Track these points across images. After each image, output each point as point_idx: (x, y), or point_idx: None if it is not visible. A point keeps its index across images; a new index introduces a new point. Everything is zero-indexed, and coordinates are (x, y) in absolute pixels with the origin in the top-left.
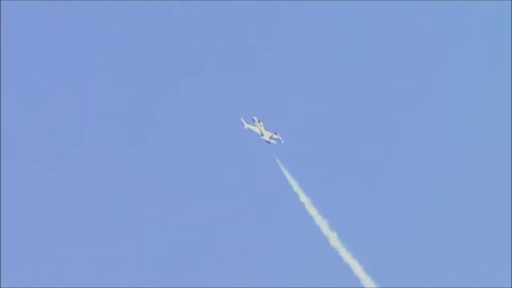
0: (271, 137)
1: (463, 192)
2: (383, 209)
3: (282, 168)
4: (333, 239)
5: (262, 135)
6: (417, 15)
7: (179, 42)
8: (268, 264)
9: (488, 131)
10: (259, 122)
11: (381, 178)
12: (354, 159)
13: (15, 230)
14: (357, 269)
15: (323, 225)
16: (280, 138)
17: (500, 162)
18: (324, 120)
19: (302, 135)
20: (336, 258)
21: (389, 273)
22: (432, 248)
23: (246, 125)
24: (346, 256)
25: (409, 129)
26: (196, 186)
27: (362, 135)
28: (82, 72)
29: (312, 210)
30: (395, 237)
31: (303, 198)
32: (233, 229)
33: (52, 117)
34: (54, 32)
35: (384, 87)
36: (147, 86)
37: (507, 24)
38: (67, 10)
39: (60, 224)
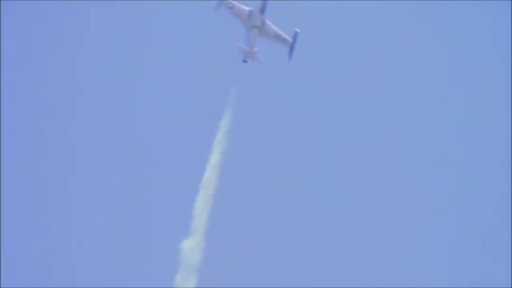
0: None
1: (463, 192)
2: (389, 209)
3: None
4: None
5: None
6: (417, 15)
7: None
8: None
9: (488, 131)
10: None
11: (382, 177)
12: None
13: (15, 230)
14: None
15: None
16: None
17: (500, 162)
18: None
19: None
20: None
21: (388, 273)
22: (432, 248)
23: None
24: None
25: (406, 128)
26: None
27: (354, 134)
28: (81, 71)
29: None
30: (394, 236)
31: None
32: None
33: (52, 116)
34: (54, 32)
35: (383, 86)
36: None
37: (507, 24)
38: (67, 10)
39: (61, 223)
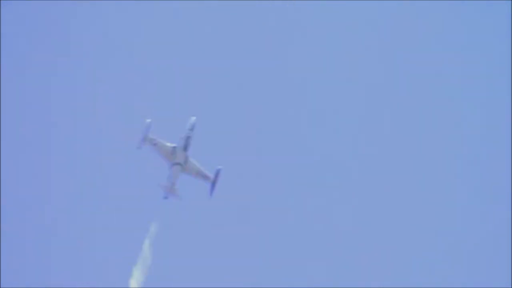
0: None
1: (463, 192)
2: (383, 209)
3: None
4: None
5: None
6: (417, 15)
7: None
8: None
9: (488, 131)
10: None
11: (380, 177)
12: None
13: (15, 230)
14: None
15: None
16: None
17: (500, 163)
18: None
19: None
20: None
21: (388, 273)
22: (432, 248)
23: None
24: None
25: (406, 128)
26: None
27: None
28: (81, 72)
29: None
30: (394, 236)
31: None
32: None
33: (52, 117)
34: (54, 32)
35: (383, 87)
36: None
37: (507, 24)
38: (67, 10)
39: (61, 223)
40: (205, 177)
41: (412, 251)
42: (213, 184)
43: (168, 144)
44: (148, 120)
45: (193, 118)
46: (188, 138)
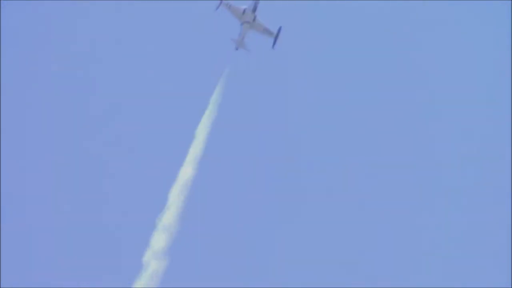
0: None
1: (463, 192)
2: (385, 208)
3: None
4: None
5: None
6: (417, 15)
7: None
8: None
9: (488, 131)
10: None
11: (379, 175)
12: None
13: (15, 230)
14: None
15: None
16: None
17: (500, 163)
18: None
19: None
20: None
21: (388, 273)
22: (432, 248)
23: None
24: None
25: (407, 128)
26: None
27: (356, 131)
28: (80, 72)
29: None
30: (394, 236)
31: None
32: None
33: (52, 117)
34: (54, 32)
35: (382, 86)
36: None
37: (507, 24)
38: (67, 10)
39: (60, 224)
40: (269, 33)
41: (412, 251)
42: (275, 38)
43: (240, 6)
44: None
45: None
46: (256, 2)
